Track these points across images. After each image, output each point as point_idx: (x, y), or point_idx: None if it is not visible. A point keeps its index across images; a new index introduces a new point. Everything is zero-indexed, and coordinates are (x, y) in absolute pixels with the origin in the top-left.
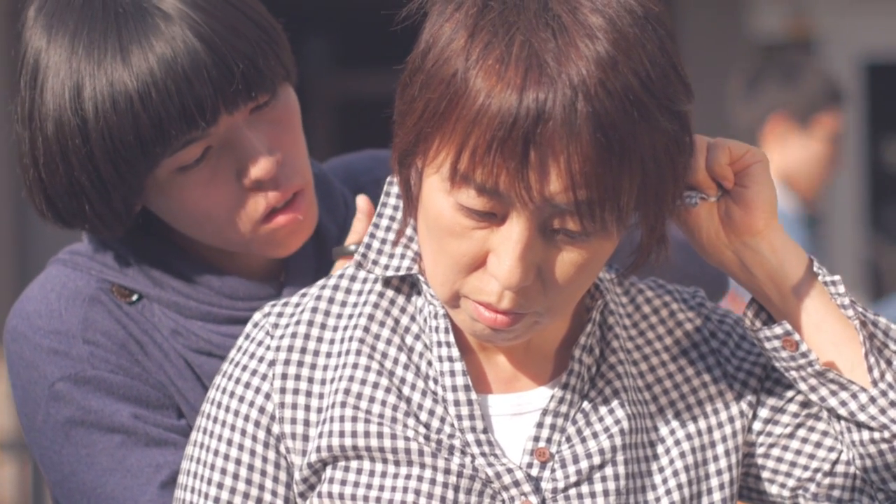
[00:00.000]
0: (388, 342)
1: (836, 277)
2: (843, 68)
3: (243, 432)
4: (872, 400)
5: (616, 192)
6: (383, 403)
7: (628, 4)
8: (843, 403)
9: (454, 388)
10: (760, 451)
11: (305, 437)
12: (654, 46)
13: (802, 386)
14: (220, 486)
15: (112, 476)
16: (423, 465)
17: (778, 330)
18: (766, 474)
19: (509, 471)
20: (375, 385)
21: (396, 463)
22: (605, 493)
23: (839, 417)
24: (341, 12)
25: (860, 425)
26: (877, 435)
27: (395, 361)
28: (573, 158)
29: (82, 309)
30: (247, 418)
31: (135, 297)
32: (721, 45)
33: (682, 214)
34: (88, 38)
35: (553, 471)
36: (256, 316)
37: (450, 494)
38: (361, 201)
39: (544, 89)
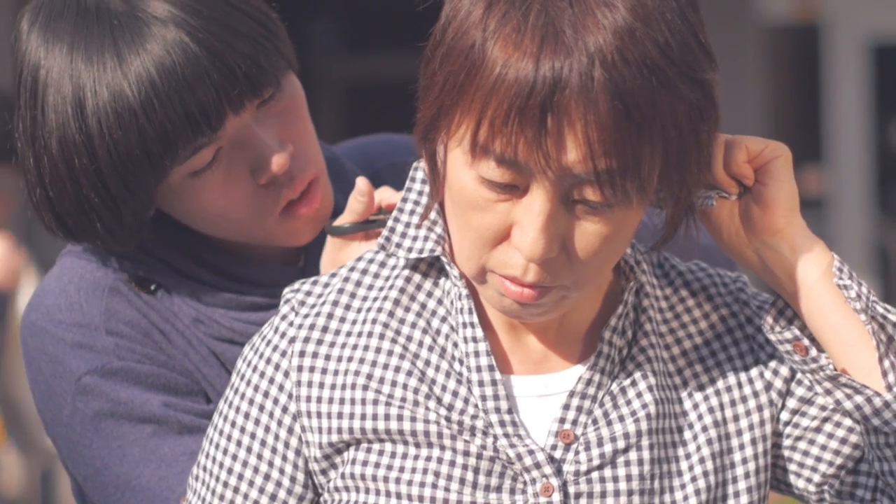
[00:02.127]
0: (413, 325)
1: (849, 282)
2: (849, 51)
3: (261, 407)
4: (886, 405)
5: (636, 160)
6: (404, 387)
7: None
8: (858, 407)
9: (478, 369)
10: (787, 442)
11: (319, 415)
12: (673, 15)
13: (818, 388)
14: (234, 457)
15: (146, 467)
16: (442, 447)
17: (787, 334)
18: (792, 467)
19: (531, 452)
20: (397, 369)
21: (417, 445)
22: (628, 477)
23: (856, 420)
24: None
25: (876, 430)
26: (892, 440)
27: (420, 344)
28: (591, 127)
29: (103, 300)
30: (266, 394)
31: (153, 287)
32: (728, 27)
33: (705, 213)
34: (86, 52)
35: (577, 453)
36: (286, 291)
37: (469, 476)
38: (361, 182)
39: (561, 58)
